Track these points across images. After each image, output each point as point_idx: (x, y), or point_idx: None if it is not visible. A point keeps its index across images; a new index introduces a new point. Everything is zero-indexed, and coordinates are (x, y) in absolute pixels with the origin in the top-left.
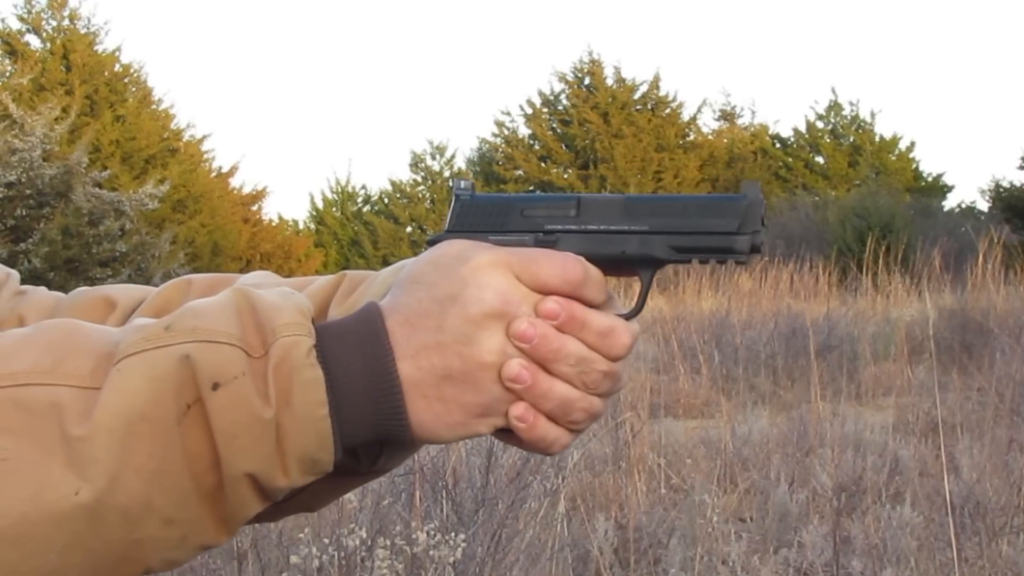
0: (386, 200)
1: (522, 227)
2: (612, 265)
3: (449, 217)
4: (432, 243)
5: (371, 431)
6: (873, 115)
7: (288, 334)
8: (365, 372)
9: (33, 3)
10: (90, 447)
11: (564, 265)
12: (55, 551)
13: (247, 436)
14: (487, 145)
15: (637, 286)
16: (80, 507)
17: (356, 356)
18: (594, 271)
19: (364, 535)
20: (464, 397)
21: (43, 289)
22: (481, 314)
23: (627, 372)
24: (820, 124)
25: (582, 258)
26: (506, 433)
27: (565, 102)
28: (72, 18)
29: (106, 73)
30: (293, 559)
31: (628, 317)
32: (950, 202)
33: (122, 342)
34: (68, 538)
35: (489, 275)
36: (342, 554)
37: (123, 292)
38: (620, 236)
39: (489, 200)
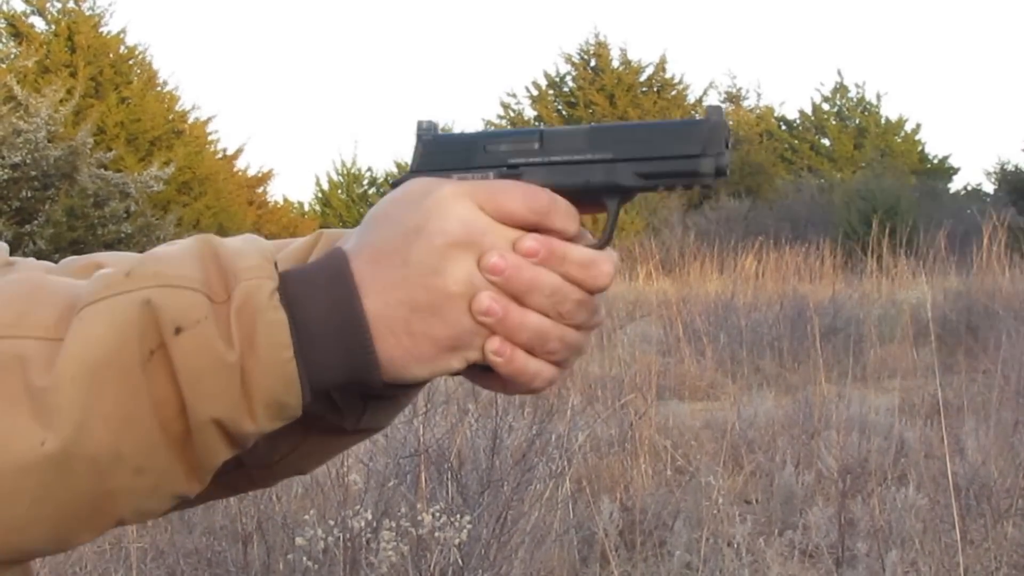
0: (392, 182)
1: (486, 163)
2: (579, 196)
3: (413, 158)
4: (396, 184)
5: (340, 372)
6: (879, 97)
7: (250, 277)
8: (330, 312)
9: None
10: (55, 396)
11: (528, 193)
12: (24, 504)
13: (212, 381)
14: (493, 127)
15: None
16: (47, 458)
17: (320, 297)
18: (562, 201)
19: (369, 517)
20: (433, 330)
21: (32, 260)
22: (445, 244)
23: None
24: (826, 106)
25: (547, 189)
26: (484, 375)
27: (571, 84)
28: (77, 0)
29: (111, 55)
30: (298, 541)
31: (599, 247)
32: (956, 184)
33: (84, 291)
34: (37, 490)
35: (452, 206)
36: (347, 536)
37: (114, 259)
38: (584, 166)
39: (452, 139)
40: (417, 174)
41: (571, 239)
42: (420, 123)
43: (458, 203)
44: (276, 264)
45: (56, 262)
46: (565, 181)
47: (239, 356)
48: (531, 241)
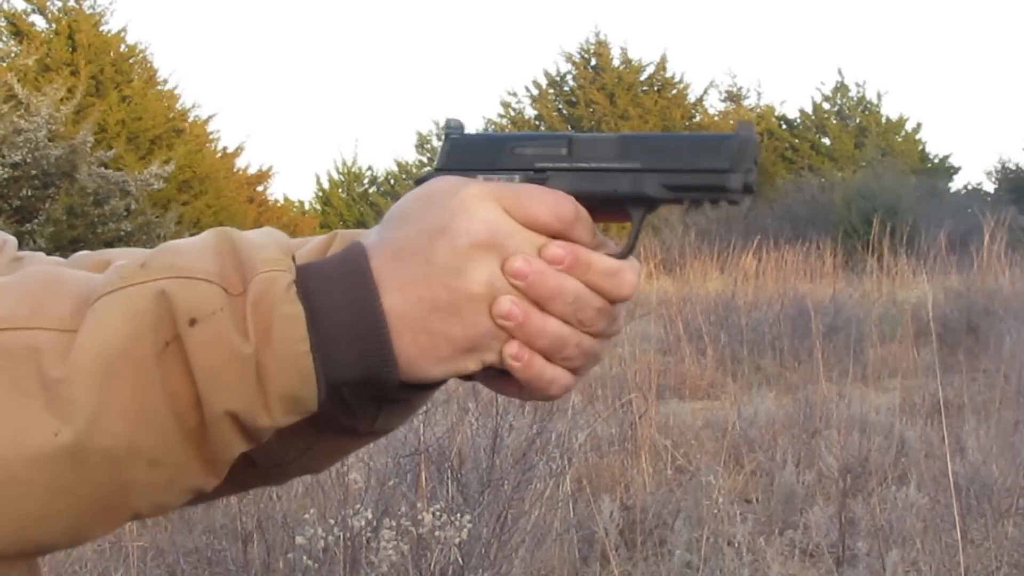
0: (392, 181)
1: (512, 165)
2: (603, 204)
3: (439, 156)
4: (420, 182)
5: (356, 368)
6: (879, 96)
7: (267, 270)
8: (348, 307)
9: None
10: (68, 388)
11: (555, 201)
12: (40, 497)
13: (227, 373)
14: (493, 126)
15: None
16: (61, 449)
17: (339, 291)
18: (584, 211)
19: (369, 516)
20: (452, 330)
21: (41, 255)
22: (469, 245)
23: (629, 348)
24: (826, 105)
25: (572, 198)
26: (500, 378)
27: (571, 83)
28: None
29: (111, 53)
30: (299, 540)
31: (622, 256)
32: (956, 183)
33: (99, 283)
34: (51, 482)
35: (478, 207)
36: (347, 535)
37: (125, 255)
38: (612, 174)
39: (479, 139)
40: (442, 172)
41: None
42: (448, 121)
43: (484, 204)
44: (294, 257)
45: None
46: (591, 188)
47: (254, 349)
48: (557, 248)
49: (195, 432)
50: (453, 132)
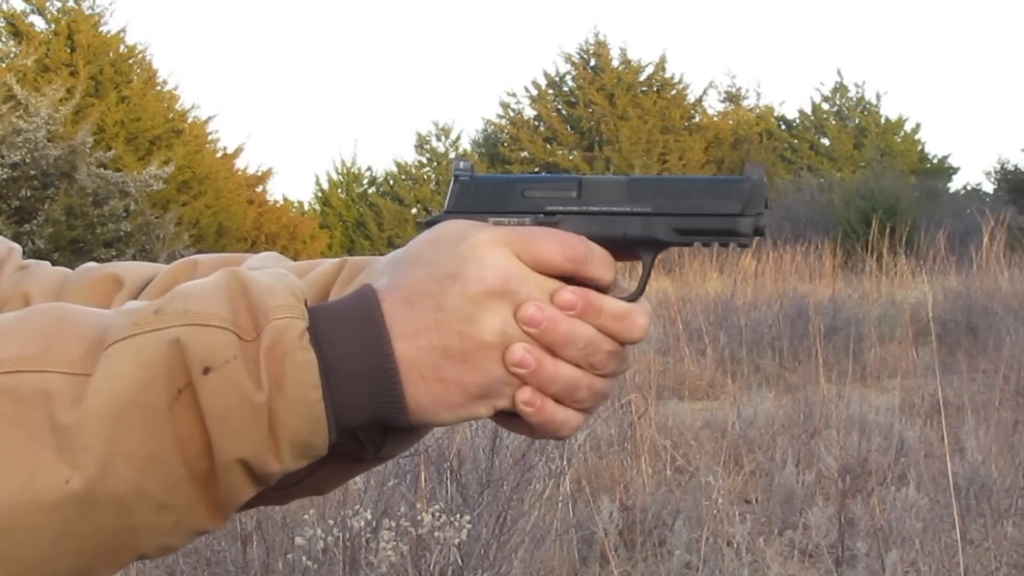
0: (391, 182)
1: (522, 208)
2: (614, 247)
3: (448, 197)
4: (429, 224)
5: (367, 414)
6: (879, 97)
7: (280, 316)
8: (360, 354)
9: None
10: (80, 435)
11: (565, 242)
12: (47, 540)
13: (239, 421)
14: (492, 126)
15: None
16: (71, 496)
17: (350, 338)
18: (598, 249)
19: (369, 517)
20: (464, 378)
21: (46, 264)
22: (481, 293)
23: (632, 353)
24: (825, 106)
25: (584, 237)
26: (510, 418)
27: (571, 83)
28: None
29: (111, 54)
30: (298, 540)
31: (631, 299)
32: (955, 184)
33: (112, 326)
34: (60, 527)
35: (489, 253)
36: (347, 535)
37: (131, 270)
38: (622, 218)
39: (489, 181)
40: (451, 215)
41: (606, 287)
42: (457, 162)
43: (495, 250)
44: (306, 301)
45: (55, 261)
46: (602, 231)
47: (267, 397)
48: (569, 294)
49: (204, 477)
50: (462, 173)
